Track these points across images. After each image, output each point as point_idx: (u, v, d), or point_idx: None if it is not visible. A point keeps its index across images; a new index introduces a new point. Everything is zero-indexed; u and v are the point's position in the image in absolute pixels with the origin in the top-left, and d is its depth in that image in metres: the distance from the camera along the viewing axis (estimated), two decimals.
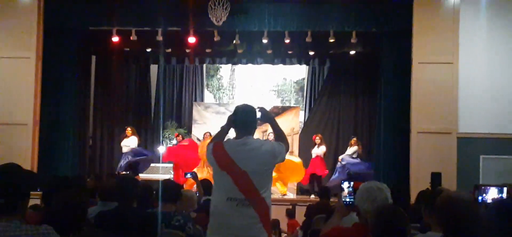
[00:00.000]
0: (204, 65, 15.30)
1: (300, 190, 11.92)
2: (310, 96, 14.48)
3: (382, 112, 10.21)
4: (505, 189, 4.87)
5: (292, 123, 13.30)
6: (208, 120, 13.61)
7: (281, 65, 13.44)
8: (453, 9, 9.55)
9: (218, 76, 16.94)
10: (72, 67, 10.55)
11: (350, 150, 11.40)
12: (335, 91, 13.39)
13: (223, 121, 3.59)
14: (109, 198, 4.03)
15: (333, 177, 11.22)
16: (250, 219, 3.24)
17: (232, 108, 3.66)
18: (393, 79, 10.07)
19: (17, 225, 2.30)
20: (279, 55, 12.77)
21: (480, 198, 4.84)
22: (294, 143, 12.62)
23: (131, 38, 10.64)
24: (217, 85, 16.83)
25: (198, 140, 12.84)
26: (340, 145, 12.60)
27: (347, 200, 3.25)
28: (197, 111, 14.10)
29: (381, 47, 10.35)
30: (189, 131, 13.91)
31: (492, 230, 2.16)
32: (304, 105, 14.89)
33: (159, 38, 10.64)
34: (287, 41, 10.55)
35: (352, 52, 11.81)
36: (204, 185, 6.26)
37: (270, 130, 9.55)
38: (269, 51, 12.10)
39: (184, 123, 14.63)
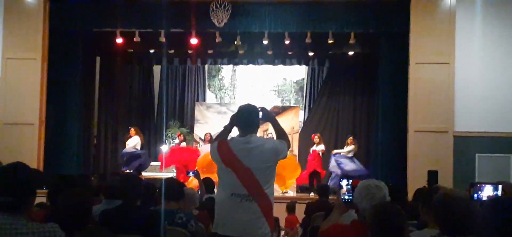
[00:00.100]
0: (206, 66, 15.43)
1: (300, 188, 11.99)
2: (309, 96, 14.60)
3: (380, 111, 10.29)
4: (500, 186, 4.83)
5: (292, 122, 13.42)
6: (210, 120, 13.69)
7: (281, 65, 13.48)
8: (449, 11, 9.66)
9: (220, 76, 17.09)
10: (77, 68, 10.60)
11: (346, 149, 11.45)
12: (334, 91, 13.49)
13: (225, 121, 3.67)
14: (113, 196, 4.06)
15: (330, 182, 10.95)
16: (254, 214, 3.31)
17: (233, 108, 3.83)
18: (390, 79, 10.14)
19: (24, 223, 2.32)
20: (279, 56, 12.81)
21: (475, 195, 4.80)
22: (294, 142, 12.67)
23: (135, 39, 10.72)
24: (219, 86, 16.97)
25: (200, 139, 12.95)
26: (338, 143, 12.64)
27: (346, 197, 3.30)
28: (199, 111, 14.21)
29: (379, 48, 10.43)
30: (191, 131, 14.03)
31: (487, 227, 2.23)
32: (303, 105, 15.01)
33: (162, 39, 10.74)
34: (287, 42, 10.62)
35: (351, 53, 11.85)
36: (206, 184, 6.42)
37: (270, 129, 9.66)
38: (270, 52, 12.17)
39: (187, 122, 14.76)
